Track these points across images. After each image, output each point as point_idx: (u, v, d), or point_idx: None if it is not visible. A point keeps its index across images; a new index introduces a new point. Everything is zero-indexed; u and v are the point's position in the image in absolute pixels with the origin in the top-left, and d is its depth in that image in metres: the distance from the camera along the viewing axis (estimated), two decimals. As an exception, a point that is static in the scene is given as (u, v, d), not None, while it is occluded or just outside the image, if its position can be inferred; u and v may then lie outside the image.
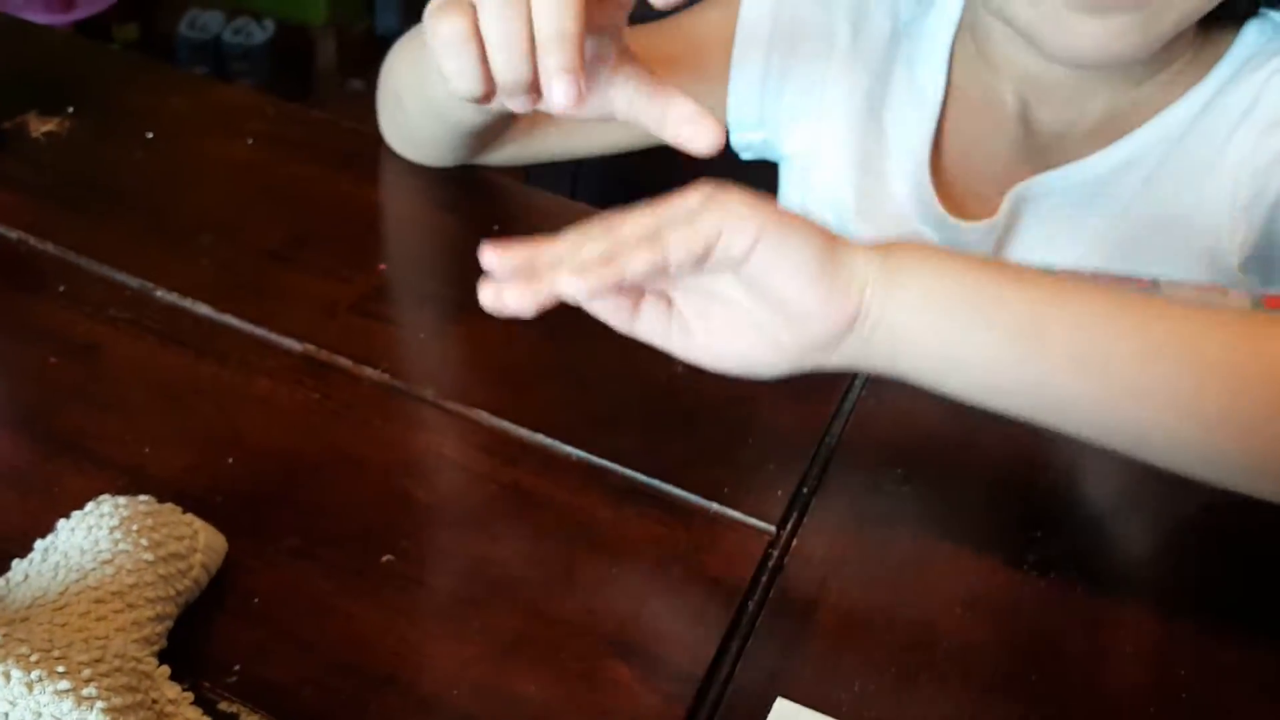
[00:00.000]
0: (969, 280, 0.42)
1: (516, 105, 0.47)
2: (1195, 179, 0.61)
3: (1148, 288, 0.42)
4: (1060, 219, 0.65)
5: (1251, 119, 0.59)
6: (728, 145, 0.75)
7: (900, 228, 0.69)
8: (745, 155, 0.75)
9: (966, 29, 0.66)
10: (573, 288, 0.42)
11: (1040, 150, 0.65)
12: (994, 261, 0.43)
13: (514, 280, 0.43)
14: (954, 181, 0.68)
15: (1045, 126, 0.64)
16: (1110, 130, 0.63)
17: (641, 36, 0.54)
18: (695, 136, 0.48)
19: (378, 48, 0.71)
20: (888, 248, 0.43)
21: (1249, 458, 0.42)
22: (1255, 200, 0.58)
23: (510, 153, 0.72)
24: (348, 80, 2.18)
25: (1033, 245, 0.66)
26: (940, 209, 0.66)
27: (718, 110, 0.72)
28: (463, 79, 0.47)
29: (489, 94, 0.48)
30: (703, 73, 0.70)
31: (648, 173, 0.84)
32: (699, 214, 0.43)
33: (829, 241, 0.43)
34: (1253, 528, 0.53)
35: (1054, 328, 0.42)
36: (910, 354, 0.44)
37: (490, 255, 0.45)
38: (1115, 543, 0.52)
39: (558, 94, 0.44)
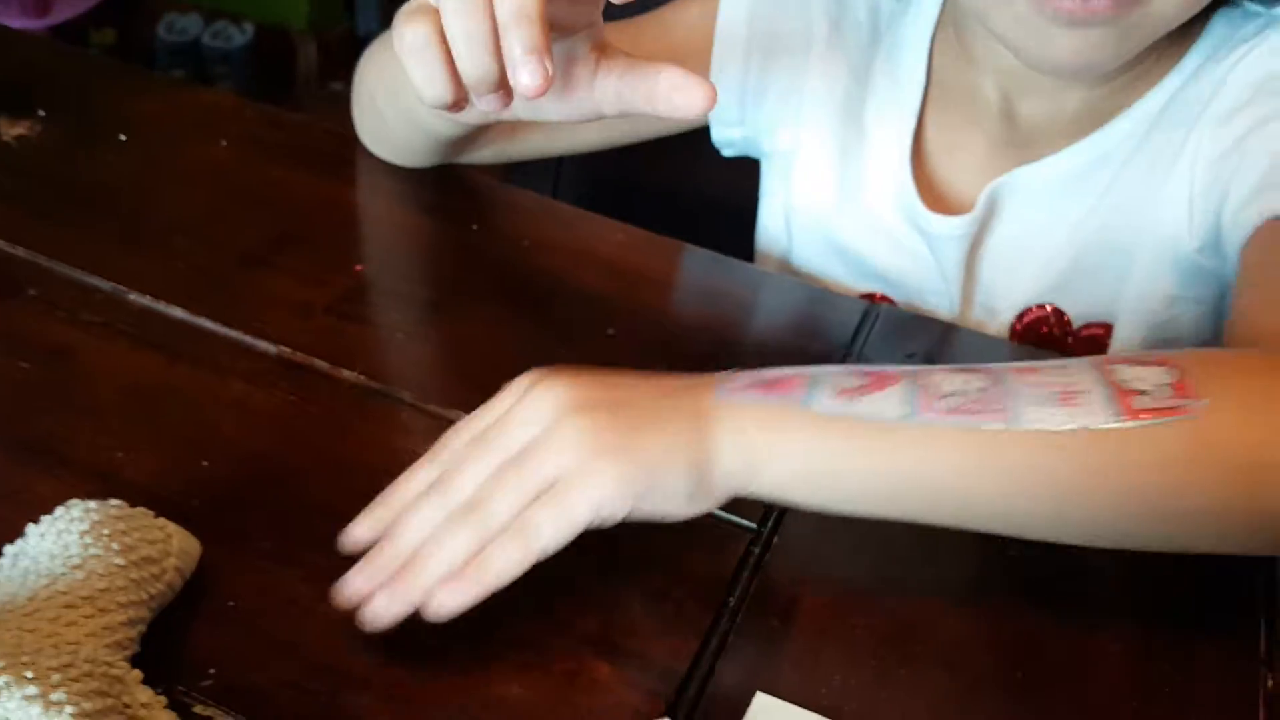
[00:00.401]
0: (825, 458, 0.43)
1: (488, 105, 0.47)
2: (1160, 169, 0.62)
3: (998, 383, 0.42)
4: (1036, 212, 0.65)
5: (1210, 111, 0.60)
6: (710, 142, 0.75)
7: (879, 224, 0.69)
8: (727, 152, 0.75)
9: (947, 22, 0.66)
10: (448, 606, 0.42)
11: (1021, 143, 0.65)
12: (850, 424, 0.43)
13: (382, 590, 0.42)
14: (934, 176, 0.68)
15: (1027, 120, 0.65)
16: (1086, 123, 0.63)
17: (620, 34, 0.54)
18: (687, 103, 0.47)
19: (358, 49, 0.70)
20: (744, 436, 0.43)
21: (1122, 544, 0.45)
22: (1209, 190, 0.59)
23: (492, 152, 0.71)
24: (328, 82, 2.17)
25: (1009, 239, 0.66)
26: (919, 204, 0.66)
27: None
28: (431, 86, 0.46)
29: (459, 100, 0.47)
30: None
31: (631, 170, 0.84)
32: (568, 490, 0.42)
33: (696, 465, 0.43)
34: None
35: (915, 483, 0.43)
36: (789, 503, 0.45)
37: (350, 542, 0.45)
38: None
39: (524, 78, 0.43)
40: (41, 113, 0.71)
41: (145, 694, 0.38)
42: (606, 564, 0.48)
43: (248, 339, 0.57)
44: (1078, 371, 0.43)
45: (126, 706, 0.37)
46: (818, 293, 0.69)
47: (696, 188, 0.84)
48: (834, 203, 0.71)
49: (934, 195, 0.67)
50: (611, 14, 0.50)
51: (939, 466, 0.42)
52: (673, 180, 0.85)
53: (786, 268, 0.75)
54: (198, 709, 0.41)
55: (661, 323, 0.62)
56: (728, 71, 0.70)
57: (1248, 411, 0.42)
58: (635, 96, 0.49)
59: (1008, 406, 0.41)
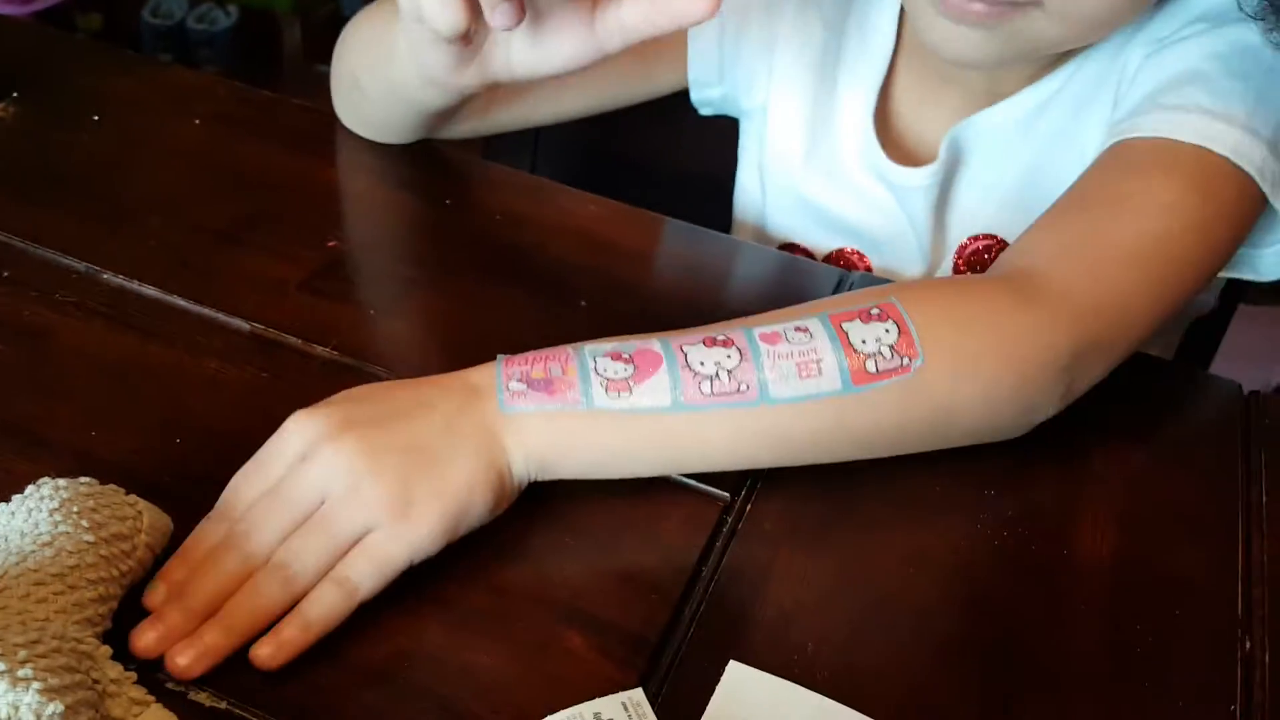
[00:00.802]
0: (608, 449, 0.48)
1: (502, 19, 0.46)
2: (1094, 94, 0.63)
3: (747, 357, 0.47)
4: (996, 155, 0.66)
5: (1139, 36, 0.61)
6: (688, 116, 0.75)
7: (847, 178, 0.70)
8: (704, 111, 0.75)
9: None
10: (272, 663, 0.42)
11: (992, 92, 0.66)
12: (628, 420, 0.47)
13: (188, 644, 0.42)
14: (902, 129, 0.69)
15: (995, 71, 0.65)
16: (1049, 67, 0.64)
17: None
18: (692, 8, 0.46)
19: (344, 31, 0.70)
20: (535, 445, 0.47)
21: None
22: (1124, 111, 0.60)
23: (470, 126, 0.71)
24: (314, 64, 2.15)
25: (973, 183, 0.67)
26: (883, 157, 0.67)
27: (678, 69, 0.72)
28: (445, 10, 0.46)
29: (468, 29, 0.47)
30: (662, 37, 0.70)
31: (608, 145, 0.84)
32: (384, 542, 0.44)
33: (494, 486, 0.46)
34: (1199, 487, 0.53)
35: (683, 457, 0.49)
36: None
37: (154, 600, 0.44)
38: (1067, 501, 0.52)
39: None
40: (15, 94, 0.71)
41: (115, 670, 0.38)
42: (579, 534, 0.48)
43: (221, 316, 0.57)
44: (816, 337, 0.47)
45: (95, 683, 0.37)
46: (792, 261, 0.69)
47: (674, 161, 0.84)
48: (804, 158, 0.71)
49: (902, 149, 0.68)
50: None
51: (702, 440, 0.48)
52: (650, 154, 0.85)
53: (761, 227, 0.75)
54: (170, 685, 0.41)
55: (635, 294, 0.61)
56: (706, 31, 0.70)
57: (950, 356, 0.48)
58: (638, 20, 0.48)
59: (756, 384, 0.47)
